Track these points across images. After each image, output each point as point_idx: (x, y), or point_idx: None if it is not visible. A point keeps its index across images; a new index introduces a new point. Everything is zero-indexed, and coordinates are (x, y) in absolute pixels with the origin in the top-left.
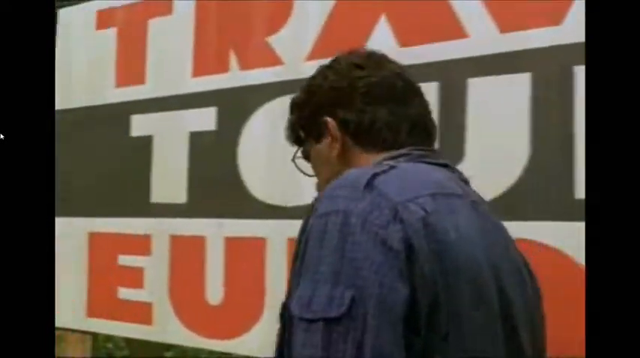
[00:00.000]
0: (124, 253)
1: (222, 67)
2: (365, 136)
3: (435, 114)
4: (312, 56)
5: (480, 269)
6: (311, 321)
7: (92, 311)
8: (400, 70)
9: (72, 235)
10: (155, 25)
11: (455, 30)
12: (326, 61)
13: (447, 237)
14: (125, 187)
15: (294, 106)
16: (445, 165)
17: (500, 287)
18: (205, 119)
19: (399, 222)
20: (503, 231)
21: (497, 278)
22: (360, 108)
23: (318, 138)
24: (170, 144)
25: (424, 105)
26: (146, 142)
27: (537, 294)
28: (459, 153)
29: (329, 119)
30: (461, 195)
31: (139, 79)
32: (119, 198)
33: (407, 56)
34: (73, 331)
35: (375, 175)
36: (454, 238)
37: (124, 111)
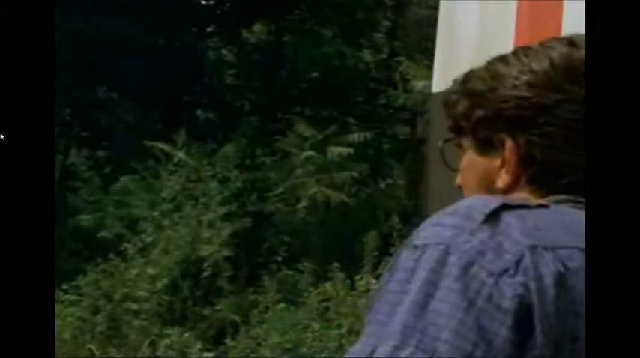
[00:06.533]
0: None
1: None
2: (542, 177)
3: None
4: None
5: None
6: None
7: None
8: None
9: None
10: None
11: None
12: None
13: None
14: None
15: (471, 94)
16: None
17: None
18: None
19: (522, 274)
20: None
21: None
22: (552, 143)
23: (482, 151)
24: None
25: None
26: None
27: None
28: None
29: (508, 141)
30: None
31: None
32: None
33: None
34: None
35: (505, 206)
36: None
37: None
